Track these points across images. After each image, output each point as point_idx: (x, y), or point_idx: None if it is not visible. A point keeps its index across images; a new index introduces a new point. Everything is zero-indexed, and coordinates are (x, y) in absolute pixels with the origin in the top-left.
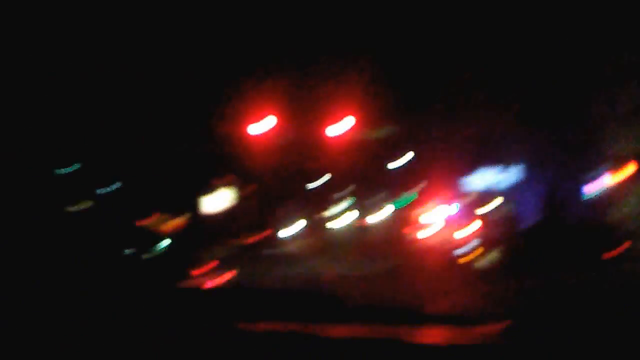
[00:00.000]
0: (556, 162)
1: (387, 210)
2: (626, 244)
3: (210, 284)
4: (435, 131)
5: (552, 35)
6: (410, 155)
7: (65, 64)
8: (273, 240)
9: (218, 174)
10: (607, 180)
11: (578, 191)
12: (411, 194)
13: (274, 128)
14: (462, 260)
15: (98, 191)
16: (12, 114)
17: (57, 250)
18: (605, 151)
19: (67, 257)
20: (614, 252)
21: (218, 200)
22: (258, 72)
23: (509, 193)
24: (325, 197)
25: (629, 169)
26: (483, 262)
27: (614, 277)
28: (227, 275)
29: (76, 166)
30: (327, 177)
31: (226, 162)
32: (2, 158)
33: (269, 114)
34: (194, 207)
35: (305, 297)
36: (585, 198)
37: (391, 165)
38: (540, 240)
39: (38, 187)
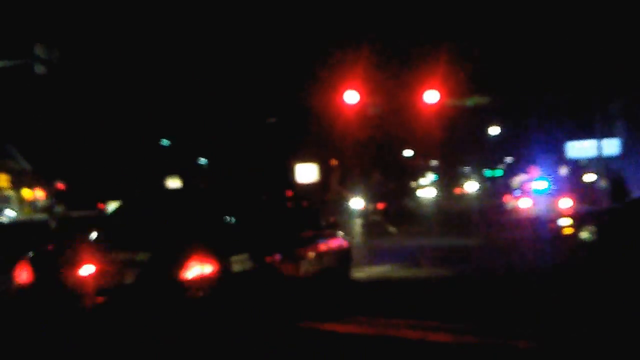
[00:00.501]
0: None
1: (483, 180)
2: None
3: None
4: (530, 101)
5: None
6: (502, 125)
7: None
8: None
9: (306, 147)
10: None
11: None
12: (505, 164)
13: (364, 98)
14: (566, 232)
15: None
16: None
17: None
18: None
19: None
20: None
21: (310, 173)
22: (346, 46)
23: (608, 166)
24: (418, 166)
25: None
26: (586, 236)
27: None
28: None
29: None
30: (419, 146)
31: (316, 135)
32: None
33: (357, 86)
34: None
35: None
36: None
37: (484, 134)
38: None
39: None
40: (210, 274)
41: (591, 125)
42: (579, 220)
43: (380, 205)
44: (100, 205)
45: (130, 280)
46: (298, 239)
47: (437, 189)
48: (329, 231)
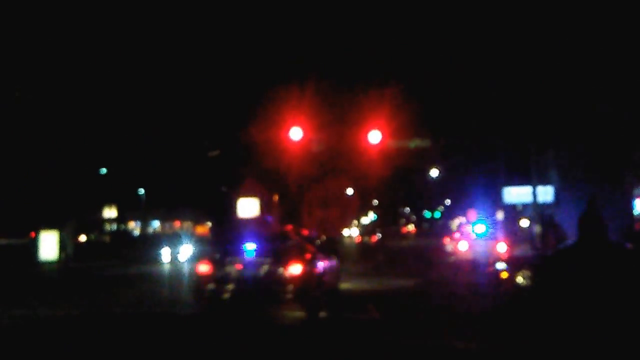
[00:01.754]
0: (597, 179)
1: (422, 221)
2: None
3: None
4: (469, 146)
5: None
6: (441, 168)
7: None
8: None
9: (249, 182)
10: None
11: (622, 210)
12: (443, 207)
13: (309, 135)
14: (502, 276)
15: None
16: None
17: None
18: None
19: None
20: None
21: (251, 207)
22: (292, 83)
23: (545, 211)
24: (358, 205)
25: None
26: (521, 281)
27: None
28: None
29: None
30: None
31: (259, 170)
32: None
33: (301, 123)
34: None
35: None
36: (629, 217)
37: (425, 176)
38: (579, 262)
39: None
40: (300, 272)
41: (527, 171)
42: (515, 265)
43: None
44: (32, 234)
45: (250, 274)
46: (319, 258)
47: (378, 228)
48: (330, 254)
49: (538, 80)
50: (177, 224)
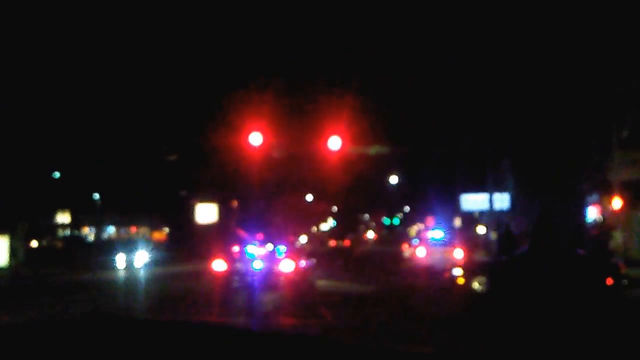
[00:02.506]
0: (550, 188)
1: (381, 227)
2: (623, 270)
3: None
4: (429, 152)
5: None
6: (402, 175)
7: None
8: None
9: (208, 187)
10: (603, 207)
11: (574, 217)
12: (402, 213)
13: (269, 140)
14: (459, 281)
15: None
16: None
17: None
18: (601, 178)
19: None
20: (615, 279)
21: (209, 213)
22: (250, 88)
23: (498, 219)
24: (318, 211)
25: (624, 196)
26: (477, 286)
27: (618, 305)
28: None
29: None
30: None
31: (218, 175)
32: None
33: (262, 128)
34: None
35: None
36: (581, 224)
37: (384, 183)
38: (533, 268)
39: None
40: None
41: (484, 179)
42: (471, 270)
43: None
44: None
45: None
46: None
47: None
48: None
49: (496, 89)
50: (133, 229)
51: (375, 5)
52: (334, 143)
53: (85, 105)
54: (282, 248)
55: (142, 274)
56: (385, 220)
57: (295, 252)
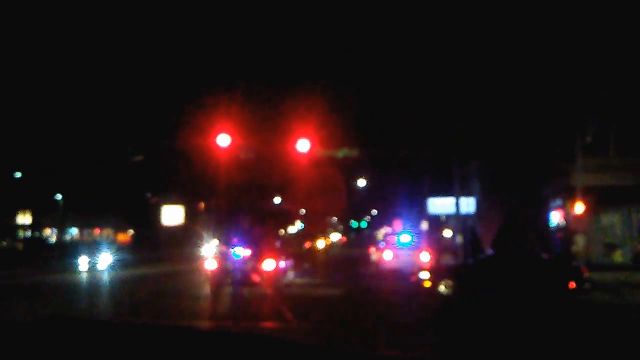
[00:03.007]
0: (515, 194)
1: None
2: (586, 274)
3: None
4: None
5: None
6: (370, 178)
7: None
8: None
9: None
10: (566, 212)
11: (538, 222)
12: (368, 217)
13: (237, 142)
14: (426, 285)
15: None
16: None
17: None
18: (565, 184)
19: None
20: (577, 283)
21: (176, 215)
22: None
23: (465, 223)
24: (285, 214)
25: (587, 201)
26: (444, 289)
27: (580, 307)
28: None
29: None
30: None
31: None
32: None
33: (228, 130)
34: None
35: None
36: (544, 229)
37: (352, 186)
38: (498, 271)
39: None
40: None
41: (451, 183)
42: (437, 274)
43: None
44: None
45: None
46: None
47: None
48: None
49: (462, 94)
50: (96, 231)
51: (346, 8)
52: (303, 145)
53: (48, 105)
54: (265, 249)
55: (105, 276)
56: (353, 224)
57: (276, 253)
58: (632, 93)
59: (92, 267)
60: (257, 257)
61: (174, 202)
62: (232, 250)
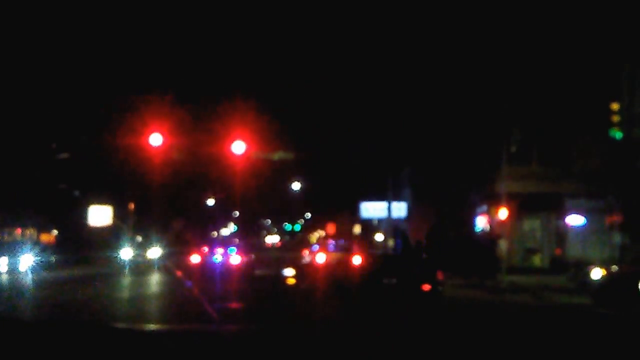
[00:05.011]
0: (444, 200)
1: (283, 233)
2: (441, 277)
3: None
4: (329, 160)
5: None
6: (304, 181)
7: None
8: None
9: (102, 188)
10: (491, 217)
11: (465, 225)
12: (302, 220)
13: (169, 141)
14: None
15: None
16: None
17: None
18: (490, 190)
19: None
20: (432, 286)
21: (104, 216)
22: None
23: (398, 225)
24: (219, 215)
25: (510, 208)
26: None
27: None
28: None
29: None
30: (220, 196)
31: (115, 176)
32: None
33: (161, 130)
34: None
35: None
36: (470, 232)
37: (287, 189)
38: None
39: None
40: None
41: (384, 188)
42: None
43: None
44: None
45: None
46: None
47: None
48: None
49: (396, 104)
50: (18, 231)
51: (286, 13)
52: (238, 147)
53: None
54: (233, 247)
55: (26, 278)
56: (287, 226)
57: (242, 250)
58: (554, 107)
59: (13, 269)
60: (228, 253)
61: (102, 202)
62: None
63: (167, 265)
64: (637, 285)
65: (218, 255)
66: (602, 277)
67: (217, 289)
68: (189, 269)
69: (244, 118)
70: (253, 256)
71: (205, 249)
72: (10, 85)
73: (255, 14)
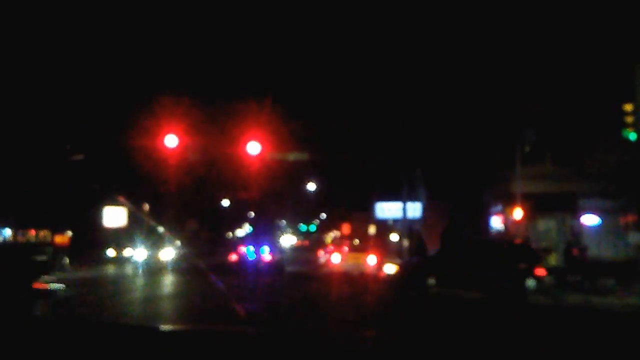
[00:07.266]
0: (458, 200)
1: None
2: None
3: None
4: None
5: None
6: (319, 182)
7: None
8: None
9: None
10: (505, 217)
11: (481, 225)
12: (317, 220)
13: (185, 143)
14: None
15: None
16: None
17: None
18: (505, 190)
19: None
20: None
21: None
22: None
23: (413, 225)
24: (234, 216)
25: (525, 208)
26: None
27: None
28: None
29: None
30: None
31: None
32: None
33: (177, 131)
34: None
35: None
36: (487, 232)
37: (302, 190)
38: (436, 267)
39: None
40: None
41: (399, 189)
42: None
43: None
44: None
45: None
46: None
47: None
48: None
49: (410, 104)
50: (32, 232)
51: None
52: (253, 148)
53: None
54: (266, 247)
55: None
56: (302, 227)
57: (273, 249)
58: (568, 108)
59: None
60: (261, 252)
61: (117, 203)
62: (247, 248)
63: (199, 265)
64: None
65: (252, 253)
66: None
67: (254, 286)
68: (225, 267)
69: (259, 119)
70: (283, 255)
71: (242, 248)
72: (26, 86)
73: (273, 14)
